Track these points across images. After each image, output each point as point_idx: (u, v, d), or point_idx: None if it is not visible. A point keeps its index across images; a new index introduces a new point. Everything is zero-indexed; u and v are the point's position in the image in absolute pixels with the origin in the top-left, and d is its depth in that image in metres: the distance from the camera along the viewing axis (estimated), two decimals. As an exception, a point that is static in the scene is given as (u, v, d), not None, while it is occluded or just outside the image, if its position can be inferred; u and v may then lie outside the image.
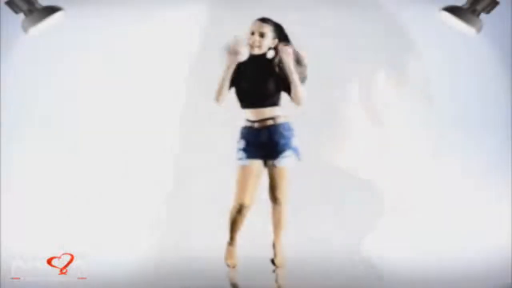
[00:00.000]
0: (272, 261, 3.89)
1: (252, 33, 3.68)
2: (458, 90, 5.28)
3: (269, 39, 3.70)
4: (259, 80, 3.69)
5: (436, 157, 5.26)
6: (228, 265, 3.85)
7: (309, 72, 4.65)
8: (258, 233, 3.99)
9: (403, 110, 5.29)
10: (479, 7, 3.39)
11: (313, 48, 5.11)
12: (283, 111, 3.75)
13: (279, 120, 3.72)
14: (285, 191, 3.78)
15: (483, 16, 3.40)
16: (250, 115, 3.72)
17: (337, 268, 3.83)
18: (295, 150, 3.75)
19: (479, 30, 3.42)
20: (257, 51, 3.69)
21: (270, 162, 3.73)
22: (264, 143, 3.71)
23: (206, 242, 4.23)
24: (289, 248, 3.95)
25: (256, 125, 3.71)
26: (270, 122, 3.70)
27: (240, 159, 3.73)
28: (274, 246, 3.91)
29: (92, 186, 5.07)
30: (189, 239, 4.38)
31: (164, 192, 5.03)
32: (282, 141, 3.71)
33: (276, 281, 3.73)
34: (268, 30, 3.70)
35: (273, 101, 3.72)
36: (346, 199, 5.00)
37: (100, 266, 3.77)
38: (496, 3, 3.40)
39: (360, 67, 5.26)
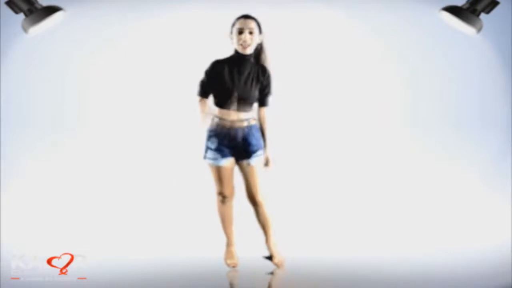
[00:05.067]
0: (269, 258, 3.86)
1: (241, 32, 3.58)
2: (458, 90, 5.28)
3: (257, 35, 3.62)
4: (248, 84, 3.62)
5: (436, 156, 5.26)
6: (228, 265, 3.84)
7: (310, 69, 4.66)
8: (257, 233, 3.99)
9: (402, 109, 5.29)
10: (479, 7, 3.39)
11: (312, 48, 5.14)
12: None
13: (252, 122, 3.70)
14: (262, 190, 3.73)
15: (483, 16, 3.40)
16: (227, 115, 3.65)
17: (337, 268, 3.82)
18: (263, 150, 3.73)
19: (479, 30, 3.41)
20: (248, 51, 3.60)
21: (244, 162, 3.70)
22: (237, 143, 3.67)
23: (206, 242, 4.22)
24: (289, 248, 3.94)
25: (229, 124, 3.65)
26: (245, 124, 3.67)
27: (214, 159, 3.68)
28: (268, 246, 3.86)
29: (92, 186, 5.07)
30: (189, 239, 4.38)
31: (163, 192, 5.03)
32: (254, 141, 3.68)
33: (276, 281, 3.73)
34: (254, 26, 3.61)
35: (253, 106, 3.70)
36: (345, 198, 5.01)
37: (100, 266, 3.77)
38: (496, 3, 3.39)
39: (359, 66, 5.26)
